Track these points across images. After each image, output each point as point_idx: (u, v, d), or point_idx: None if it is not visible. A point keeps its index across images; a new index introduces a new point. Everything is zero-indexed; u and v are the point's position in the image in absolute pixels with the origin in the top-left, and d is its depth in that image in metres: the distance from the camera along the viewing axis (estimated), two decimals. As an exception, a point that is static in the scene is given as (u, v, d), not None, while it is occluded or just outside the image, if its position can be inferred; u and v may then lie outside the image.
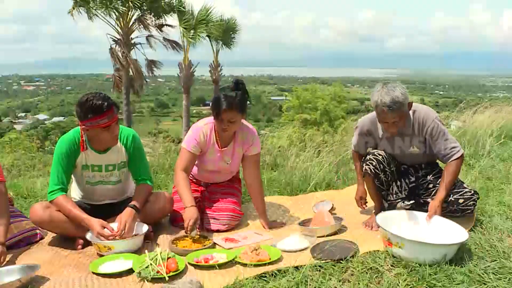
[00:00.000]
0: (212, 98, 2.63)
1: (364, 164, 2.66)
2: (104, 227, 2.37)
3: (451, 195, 2.48)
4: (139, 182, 2.64)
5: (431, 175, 2.70)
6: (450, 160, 2.49)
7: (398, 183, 2.71)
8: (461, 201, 2.47)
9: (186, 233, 2.46)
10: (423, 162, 2.72)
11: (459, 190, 2.50)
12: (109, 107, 2.35)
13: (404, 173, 2.74)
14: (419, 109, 2.55)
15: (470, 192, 2.49)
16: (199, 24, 15.36)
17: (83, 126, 2.40)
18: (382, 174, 2.63)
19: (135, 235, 2.43)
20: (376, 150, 2.70)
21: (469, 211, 2.48)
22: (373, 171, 2.61)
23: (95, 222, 2.37)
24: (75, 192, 2.75)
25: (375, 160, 2.62)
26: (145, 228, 2.48)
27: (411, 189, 2.70)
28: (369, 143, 2.76)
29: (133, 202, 2.50)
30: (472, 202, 2.47)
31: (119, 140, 2.55)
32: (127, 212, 2.44)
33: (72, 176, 2.63)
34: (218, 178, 2.96)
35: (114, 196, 2.71)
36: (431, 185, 2.65)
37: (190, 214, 2.46)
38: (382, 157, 2.63)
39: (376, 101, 2.38)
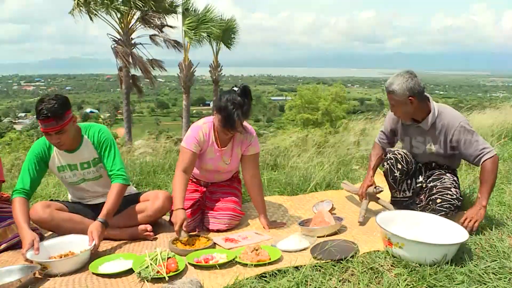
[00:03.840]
0: (220, 107, 2.55)
1: (385, 162, 2.79)
2: (33, 243, 2.22)
3: (436, 194, 2.54)
4: (111, 180, 2.56)
5: (434, 175, 2.70)
6: (481, 162, 2.47)
7: (409, 181, 2.76)
8: (438, 201, 2.51)
9: (177, 235, 2.44)
10: (441, 163, 2.74)
11: (443, 191, 2.53)
12: (47, 117, 2.31)
13: (416, 172, 2.79)
14: (445, 112, 2.59)
15: (453, 196, 2.50)
16: (201, 24, 15.36)
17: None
18: (397, 173, 2.70)
19: (73, 254, 2.24)
20: (396, 149, 2.77)
21: (443, 212, 2.47)
22: (389, 168, 2.73)
23: (26, 235, 2.26)
24: (70, 195, 2.79)
25: (393, 158, 2.72)
26: (89, 245, 2.27)
27: (417, 189, 2.74)
28: (394, 132, 2.88)
29: (100, 216, 2.40)
30: (447, 205, 2.48)
31: (88, 137, 2.57)
32: (94, 226, 2.35)
33: (60, 180, 2.68)
34: (217, 178, 2.96)
35: (105, 192, 2.63)
36: (431, 184, 2.65)
37: (177, 217, 2.44)
38: (401, 156, 2.71)
39: (386, 85, 2.60)
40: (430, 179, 2.71)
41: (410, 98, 2.48)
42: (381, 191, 2.84)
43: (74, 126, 2.49)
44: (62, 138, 2.41)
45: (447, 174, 2.69)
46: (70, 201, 2.78)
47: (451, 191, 2.53)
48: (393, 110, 2.64)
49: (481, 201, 2.40)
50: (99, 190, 2.70)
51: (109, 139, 2.61)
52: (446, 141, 2.59)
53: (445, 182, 2.61)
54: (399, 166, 2.70)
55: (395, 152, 2.75)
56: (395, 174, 2.72)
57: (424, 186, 2.74)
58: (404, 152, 2.74)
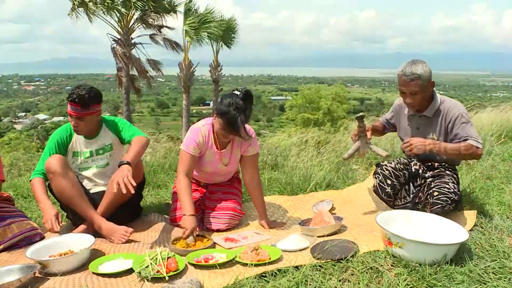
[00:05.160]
0: (223, 111, 2.52)
1: (382, 163, 2.77)
2: (56, 218, 2.39)
3: (433, 187, 2.54)
4: (131, 140, 2.68)
5: (432, 172, 2.72)
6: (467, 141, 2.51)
7: (406, 186, 2.74)
8: (435, 194, 2.51)
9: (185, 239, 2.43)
10: (441, 160, 2.72)
11: (441, 184, 2.54)
12: (74, 101, 2.57)
13: (413, 176, 2.76)
14: (447, 100, 2.65)
15: (450, 189, 2.49)
16: (203, 24, 15.35)
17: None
18: (389, 188, 2.69)
19: (73, 252, 2.22)
20: (385, 163, 2.77)
21: (439, 205, 2.46)
22: (387, 173, 2.70)
23: (48, 209, 2.43)
24: None
25: (381, 175, 2.72)
26: (89, 243, 2.27)
27: (416, 192, 2.72)
28: (392, 119, 2.93)
29: (124, 158, 2.47)
30: (444, 198, 2.46)
31: (105, 126, 2.79)
32: (120, 170, 2.37)
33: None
34: (216, 179, 2.96)
35: (107, 183, 2.67)
36: (429, 181, 2.65)
37: (188, 223, 2.43)
38: (389, 172, 2.69)
39: (399, 72, 2.55)
40: (430, 177, 2.71)
41: (432, 81, 2.54)
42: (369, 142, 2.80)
43: (97, 118, 2.71)
44: (80, 124, 2.63)
45: (447, 171, 2.70)
46: None
47: (448, 185, 2.53)
48: (413, 99, 2.56)
49: (436, 142, 2.51)
50: (101, 182, 2.78)
51: (125, 121, 2.87)
52: (447, 128, 2.61)
53: (443, 177, 2.62)
54: (389, 182, 2.69)
55: (383, 167, 2.73)
56: (387, 190, 2.70)
57: (423, 182, 2.73)
58: (392, 167, 2.72)
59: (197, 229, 2.73)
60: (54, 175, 2.51)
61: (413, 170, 2.77)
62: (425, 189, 2.65)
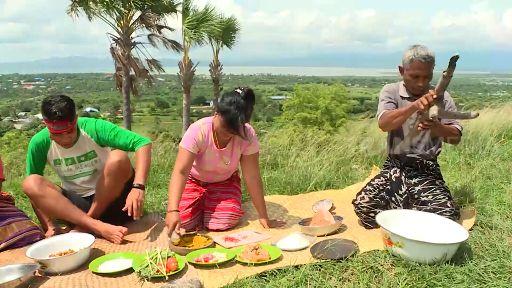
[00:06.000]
0: (224, 109, 2.53)
1: (357, 198, 2.65)
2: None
3: (433, 212, 2.43)
4: (135, 147, 2.68)
5: (423, 184, 2.63)
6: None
7: (393, 198, 2.66)
8: (430, 196, 2.51)
9: (169, 237, 2.44)
10: (430, 143, 2.67)
11: (440, 208, 2.45)
12: (60, 119, 2.40)
13: (397, 184, 2.67)
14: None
15: (451, 212, 2.42)
16: (201, 24, 15.33)
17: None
18: (376, 209, 2.60)
19: (73, 252, 2.23)
20: (369, 184, 2.70)
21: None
22: (364, 210, 2.62)
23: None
24: (64, 187, 2.83)
25: (367, 198, 2.63)
26: (89, 242, 2.28)
27: (405, 199, 2.64)
28: (395, 104, 2.65)
29: (135, 181, 2.55)
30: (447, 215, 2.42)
31: (85, 132, 2.66)
32: (134, 193, 2.51)
33: (56, 173, 2.77)
34: (216, 178, 2.96)
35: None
36: (422, 195, 2.58)
37: (169, 219, 2.45)
38: (374, 195, 2.63)
39: (411, 56, 2.48)
40: (419, 188, 2.61)
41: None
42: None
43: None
44: (72, 136, 2.54)
45: (436, 182, 2.62)
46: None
47: (448, 207, 2.46)
48: (423, 82, 2.52)
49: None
50: (91, 187, 2.76)
51: (108, 124, 2.72)
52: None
53: (437, 195, 2.53)
54: (372, 215, 2.59)
55: (358, 206, 2.62)
56: (371, 215, 2.60)
57: (414, 194, 2.62)
58: (366, 203, 2.61)
59: (197, 228, 2.74)
60: (35, 198, 2.52)
61: (394, 180, 2.69)
62: (419, 205, 2.56)
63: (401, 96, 2.67)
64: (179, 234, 2.42)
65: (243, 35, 19.31)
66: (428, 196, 2.55)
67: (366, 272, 1.98)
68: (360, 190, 2.72)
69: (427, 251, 2.00)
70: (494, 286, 1.82)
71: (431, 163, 2.72)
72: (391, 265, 2.05)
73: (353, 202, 2.69)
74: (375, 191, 2.65)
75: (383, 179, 2.72)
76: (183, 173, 2.63)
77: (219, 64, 18.36)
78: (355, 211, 2.69)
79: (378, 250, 2.20)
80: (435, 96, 2.15)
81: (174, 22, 15.60)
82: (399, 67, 2.62)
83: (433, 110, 2.17)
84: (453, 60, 2.05)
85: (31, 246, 2.24)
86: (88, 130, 2.67)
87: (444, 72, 2.10)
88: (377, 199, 2.63)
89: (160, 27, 15.09)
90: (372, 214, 2.59)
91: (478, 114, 2.28)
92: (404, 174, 2.71)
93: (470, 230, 2.42)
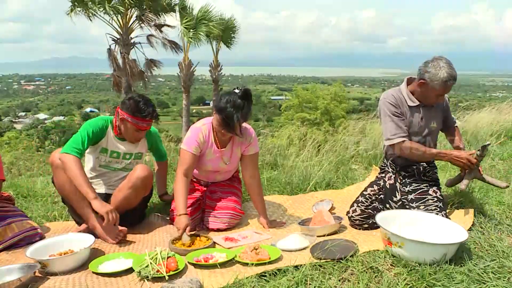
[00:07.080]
0: (220, 108, 2.55)
1: (350, 211, 2.69)
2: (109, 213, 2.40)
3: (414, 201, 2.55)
4: (161, 160, 3.09)
5: (416, 193, 2.60)
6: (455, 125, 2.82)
7: (387, 205, 2.67)
8: (421, 207, 2.50)
9: (180, 239, 2.45)
10: (430, 143, 2.69)
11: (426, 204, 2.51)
12: (154, 118, 2.68)
13: (391, 191, 2.67)
14: None
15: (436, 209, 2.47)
16: (200, 23, 15.33)
17: (124, 117, 2.62)
18: (369, 220, 2.62)
19: (73, 252, 2.22)
20: (362, 194, 2.72)
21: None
22: (357, 222, 2.65)
23: (100, 205, 2.41)
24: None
25: (358, 210, 2.65)
26: (89, 242, 2.28)
27: (399, 207, 2.63)
28: (403, 114, 2.63)
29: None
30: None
31: (147, 135, 2.84)
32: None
33: (93, 160, 2.74)
34: (217, 178, 2.97)
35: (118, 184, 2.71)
36: (414, 205, 2.55)
37: (180, 222, 2.47)
38: (366, 207, 2.65)
39: (445, 79, 2.44)
40: (411, 197, 2.59)
41: None
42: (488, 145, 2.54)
43: None
44: (144, 135, 2.77)
45: (430, 191, 2.58)
46: None
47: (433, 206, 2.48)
48: (440, 100, 2.58)
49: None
50: (107, 184, 2.77)
51: (159, 136, 3.05)
52: (441, 112, 2.70)
53: (429, 205, 2.50)
54: (366, 226, 2.63)
55: (351, 218, 2.66)
56: (365, 226, 2.64)
57: (406, 204, 2.60)
58: (358, 215, 2.64)
59: (197, 228, 2.74)
60: (56, 168, 2.52)
61: (388, 187, 2.69)
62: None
63: (409, 106, 2.62)
64: (189, 236, 2.44)
65: (243, 35, 19.34)
66: (420, 206, 2.53)
67: (366, 272, 1.98)
68: (353, 201, 2.74)
69: (426, 251, 2.00)
70: (494, 286, 1.82)
71: (428, 167, 2.69)
72: (391, 265, 2.05)
73: (346, 214, 2.73)
74: (367, 202, 2.68)
75: (376, 188, 2.73)
76: (187, 176, 2.65)
77: (219, 64, 18.37)
78: (349, 224, 2.71)
79: (378, 250, 2.20)
80: (474, 161, 2.51)
81: (174, 22, 15.61)
82: (420, 81, 2.51)
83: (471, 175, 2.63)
84: (484, 147, 2.46)
85: (31, 246, 2.25)
86: (150, 135, 2.89)
87: (477, 151, 2.48)
88: (369, 210, 2.65)
89: (160, 26, 15.08)
90: (366, 225, 2.63)
91: (508, 186, 2.62)
92: (399, 180, 2.70)
93: (469, 229, 2.42)
